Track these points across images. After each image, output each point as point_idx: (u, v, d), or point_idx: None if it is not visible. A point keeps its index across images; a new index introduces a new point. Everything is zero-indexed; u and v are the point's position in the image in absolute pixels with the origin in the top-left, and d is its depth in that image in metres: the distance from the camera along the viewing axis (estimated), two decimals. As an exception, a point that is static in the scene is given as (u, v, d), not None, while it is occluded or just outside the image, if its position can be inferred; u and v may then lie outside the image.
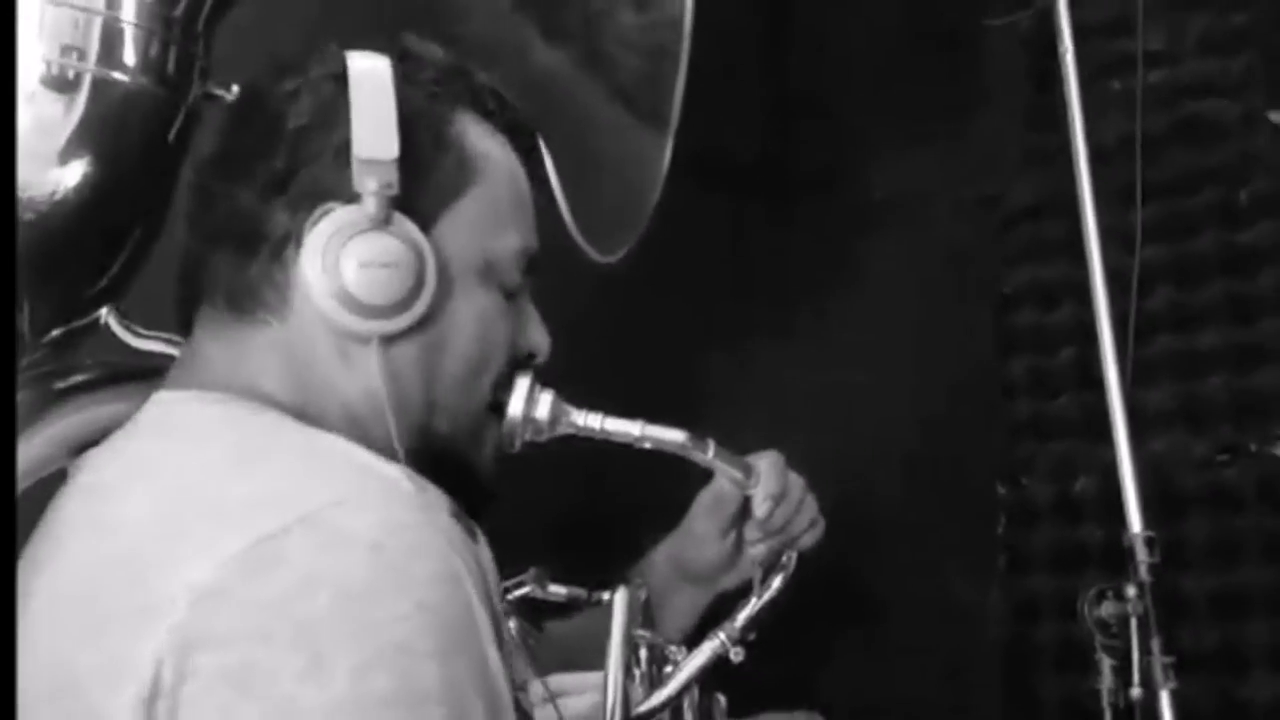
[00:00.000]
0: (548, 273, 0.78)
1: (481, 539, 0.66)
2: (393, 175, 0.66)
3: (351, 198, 0.67)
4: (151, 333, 0.77)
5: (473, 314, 0.72)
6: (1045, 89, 1.50)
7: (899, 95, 1.69)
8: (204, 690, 0.55)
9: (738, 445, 0.94)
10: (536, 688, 0.77)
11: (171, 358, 0.74)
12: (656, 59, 0.84)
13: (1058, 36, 1.42)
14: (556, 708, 0.75)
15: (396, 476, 0.63)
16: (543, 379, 0.79)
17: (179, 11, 0.74)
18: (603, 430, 0.81)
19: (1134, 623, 1.11)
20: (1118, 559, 1.18)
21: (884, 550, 1.57)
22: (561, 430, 0.79)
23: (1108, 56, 1.57)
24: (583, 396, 0.82)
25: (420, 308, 0.68)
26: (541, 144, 0.81)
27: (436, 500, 0.63)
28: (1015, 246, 1.67)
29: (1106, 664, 1.10)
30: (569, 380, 0.81)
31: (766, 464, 0.91)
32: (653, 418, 0.85)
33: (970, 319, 1.68)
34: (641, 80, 0.86)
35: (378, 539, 0.58)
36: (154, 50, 0.72)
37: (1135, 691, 1.08)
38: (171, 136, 0.74)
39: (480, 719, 0.58)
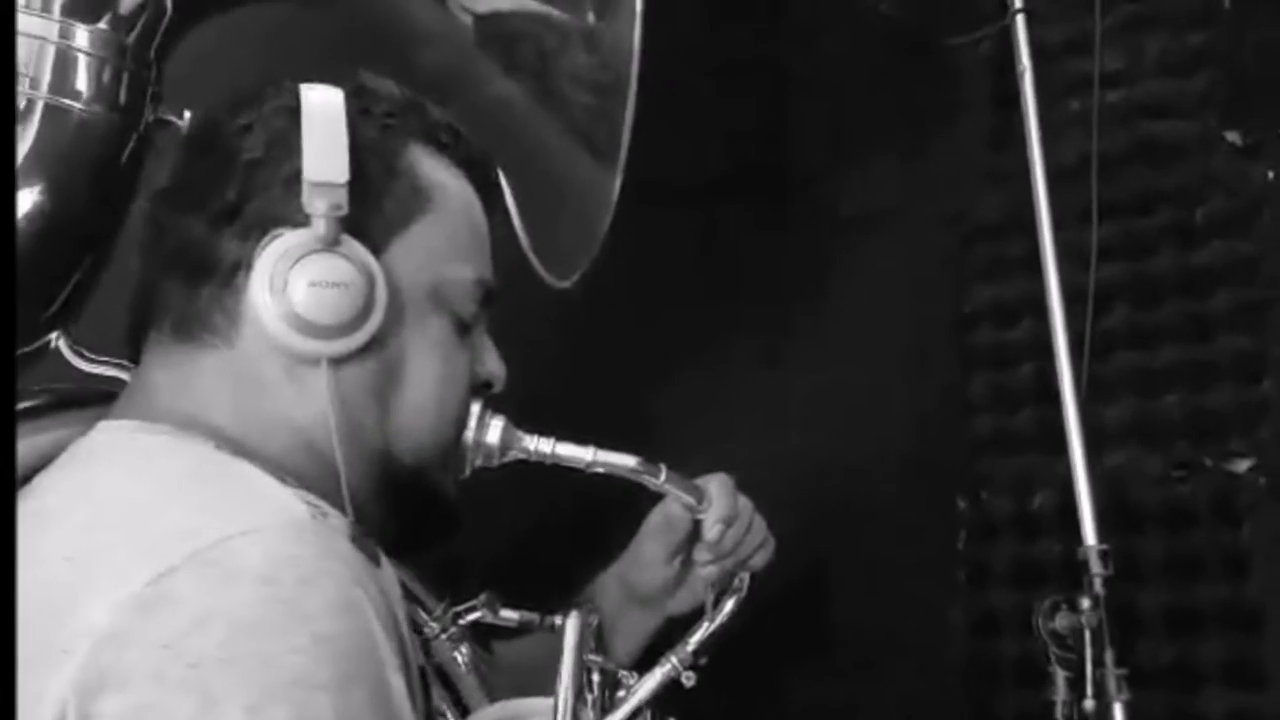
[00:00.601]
0: (512, 296, 0.79)
1: (385, 564, 0.66)
2: (342, 198, 0.67)
3: (301, 223, 0.68)
4: (102, 357, 0.77)
5: (426, 343, 0.72)
6: (1007, 108, 1.53)
7: (866, 113, 1.71)
8: None
9: (697, 462, 0.95)
10: (485, 714, 0.77)
11: (122, 383, 0.74)
12: (605, 97, 0.86)
13: (1015, 56, 1.44)
14: None
15: (293, 505, 0.63)
16: (504, 403, 0.79)
17: (132, 39, 0.74)
18: (554, 455, 0.82)
19: (1088, 635, 1.12)
20: (1076, 574, 1.20)
21: (845, 565, 1.58)
22: (512, 456, 0.80)
23: (1066, 76, 1.60)
24: (543, 419, 0.82)
25: (370, 329, 0.68)
26: (500, 171, 0.81)
27: (335, 527, 0.63)
28: (976, 264, 1.69)
29: (1060, 676, 1.12)
30: (525, 404, 0.81)
31: (716, 486, 0.91)
32: (613, 436, 0.85)
33: (934, 335, 1.70)
34: (591, 116, 0.87)
35: (269, 572, 0.58)
36: (107, 77, 0.73)
37: (1089, 703, 1.10)
38: (123, 163, 0.74)
39: None
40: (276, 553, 0.59)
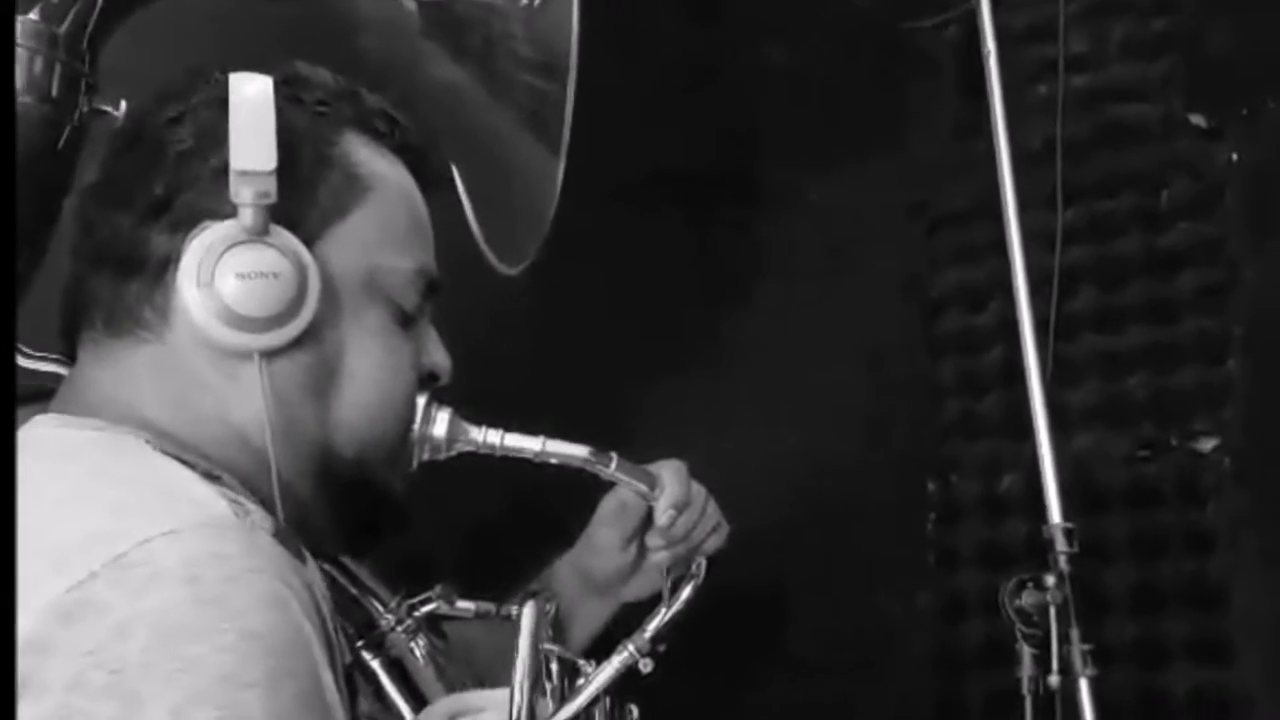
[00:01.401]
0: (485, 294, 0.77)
1: (310, 561, 0.65)
2: (270, 186, 0.65)
3: (231, 215, 0.66)
4: (42, 354, 0.76)
5: (366, 335, 0.71)
6: (973, 96, 1.53)
7: (835, 103, 1.71)
8: None
9: (667, 455, 0.94)
10: (439, 706, 0.76)
11: (62, 378, 0.73)
12: (548, 79, 0.85)
13: (980, 39, 1.44)
14: None
15: (214, 503, 0.62)
16: (483, 398, 0.78)
17: (63, 29, 0.73)
18: (503, 446, 0.80)
19: (1053, 611, 1.12)
20: (1043, 555, 1.20)
21: (815, 552, 1.58)
22: (460, 448, 0.79)
23: (1031, 62, 1.60)
24: (514, 414, 0.81)
25: (303, 322, 0.67)
26: (448, 160, 0.80)
27: (258, 524, 0.62)
28: (943, 250, 1.70)
29: (1027, 653, 1.11)
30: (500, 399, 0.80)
31: (669, 473, 0.90)
32: (590, 433, 0.85)
33: (903, 321, 1.70)
34: (535, 100, 0.87)
35: (191, 573, 0.57)
36: (38, 68, 0.72)
37: (1054, 679, 1.10)
38: (58, 154, 0.73)
39: None
40: (198, 553, 0.58)
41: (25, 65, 0.71)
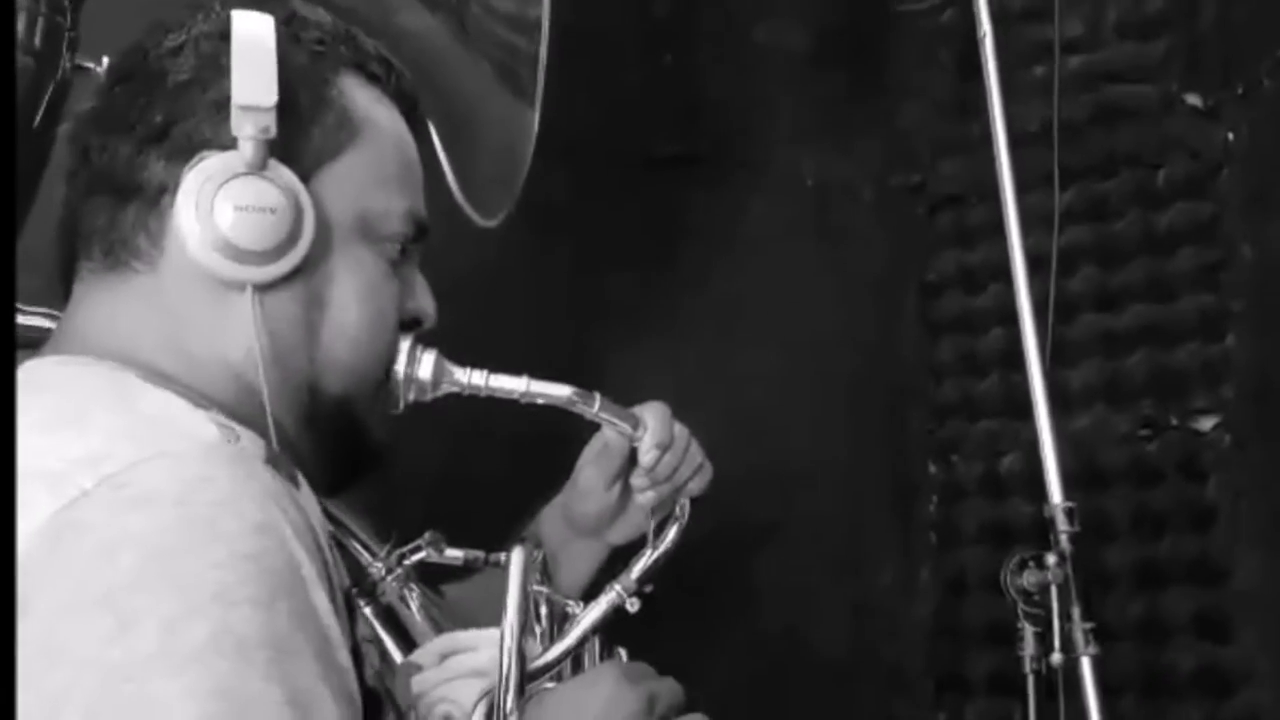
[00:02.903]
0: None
1: (304, 485, 0.65)
2: (270, 121, 0.66)
3: (229, 147, 0.67)
4: (33, 308, 0.76)
5: (353, 274, 0.72)
6: (970, 79, 1.53)
7: (827, 84, 1.71)
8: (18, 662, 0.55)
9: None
10: (431, 645, 0.76)
11: (49, 331, 0.73)
12: (521, 32, 0.85)
13: (976, 20, 1.44)
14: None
15: (205, 429, 0.63)
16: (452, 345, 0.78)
17: (45, -17, 0.73)
18: (487, 388, 0.80)
19: (1054, 590, 1.12)
20: (1045, 535, 1.20)
21: (817, 532, 1.58)
22: (445, 389, 0.79)
23: (1027, 43, 1.60)
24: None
25: (296, 256, 0.68)
26: (424, 111, 0.80)
27: (248, 449, 0.63)
28: (942, 231, 1.70)
29: (1029, 631, 1.11)
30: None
31: (652, 414, 0.90)
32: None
33: (901, 302, 1.71)
34: (509, 53, 0.87)
35: (182, 494, 0.57)
36: (21, 23, 0.72)
37: (1056, 657, 1.10)
38: (41, 110, 0.74)
39: (309, 662, 0.57)
40: (189, 475, 0.58)
41: (8, 18, 0.71)
